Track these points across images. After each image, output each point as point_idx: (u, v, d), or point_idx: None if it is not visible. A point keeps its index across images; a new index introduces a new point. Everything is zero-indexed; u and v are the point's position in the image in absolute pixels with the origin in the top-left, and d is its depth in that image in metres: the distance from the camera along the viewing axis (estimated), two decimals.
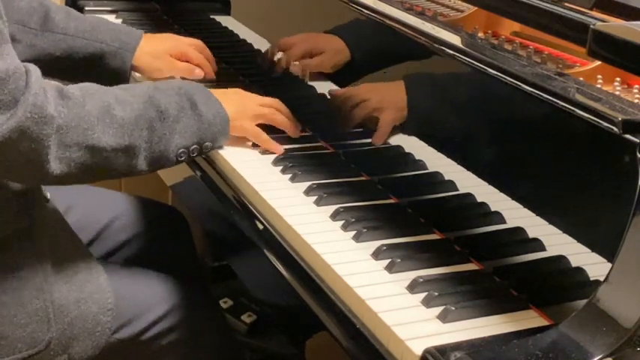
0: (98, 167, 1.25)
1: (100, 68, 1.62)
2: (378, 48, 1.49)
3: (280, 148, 1.44)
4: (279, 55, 1.69)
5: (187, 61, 1.68)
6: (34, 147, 1.16)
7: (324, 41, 1.59)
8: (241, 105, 1.44)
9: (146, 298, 1.44)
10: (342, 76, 1.56)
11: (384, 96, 1.43)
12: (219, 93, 1.41)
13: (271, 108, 1.47)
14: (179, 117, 1.33)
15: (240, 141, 1.46)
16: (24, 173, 1.21)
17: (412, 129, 1.38)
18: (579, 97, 1.04)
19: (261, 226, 1.29)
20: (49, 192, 1.43)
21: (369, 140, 1.44)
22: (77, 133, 1.20)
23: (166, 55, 1.66)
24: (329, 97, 1.56)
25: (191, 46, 1.70)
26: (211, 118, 1.36)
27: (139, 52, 1.63)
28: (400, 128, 1.42)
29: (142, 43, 1.65)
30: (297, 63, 1.66)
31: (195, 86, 1.40)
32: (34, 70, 1.18)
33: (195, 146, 1.35)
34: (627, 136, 0.96)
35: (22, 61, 1.18)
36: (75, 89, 1.25)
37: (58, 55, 1.60)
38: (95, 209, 1.67)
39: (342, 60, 1.55)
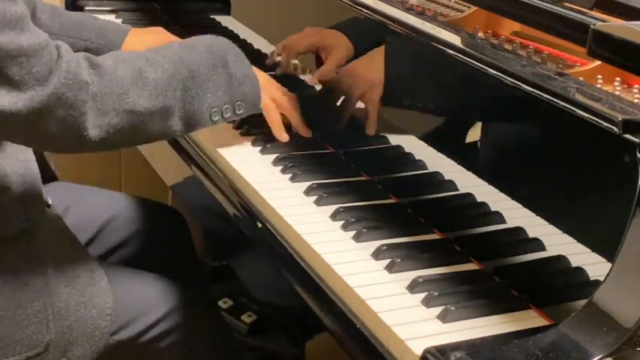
0: (136, 131, 1.26)
1: None
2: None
3: (285, 136, 1.44)
4: (279, 57, 1.70)
5: None
6: (72, 113, 1.17)
7: (330, 37, 1.59)
8: (268, 81, 1.45)
9: (145, 300, 1.44)
10: None
11: (361, 75, 1.45)
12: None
13: (286, 97, 1.46)
14: (210, 75, 1.33)
15: (241, 141, 1.46)
16: (65, 141, 1.21)
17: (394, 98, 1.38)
18: (579, 97, 1.04)
19: (261, 226, 1.29)
20: (50, 191, 1.43)
21: (369, 140, 1.45)
22: (112, 98, 1.22)
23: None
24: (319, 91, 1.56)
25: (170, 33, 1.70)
26: (241, 78, 1.36)
27: (124, 47, 1.63)
28: (399, 127, 1.42)
29: (129, 39, 1.64)
30: (296, 62, 1.67)
31: (227, 44, 1.40)
32: (63, 43, 1.21)
33: (227, 105, 1.35)
34: (627, 136, 0.96)
35: None
36: (105, 57, 1.27)
37: None
38: (94, 209, 1.67)
39: (349, 57, 1.55)
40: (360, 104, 1.47)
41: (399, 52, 1.40)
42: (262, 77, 1.43)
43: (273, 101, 1.44)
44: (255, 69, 1.42)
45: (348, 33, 1.55)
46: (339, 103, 1.50)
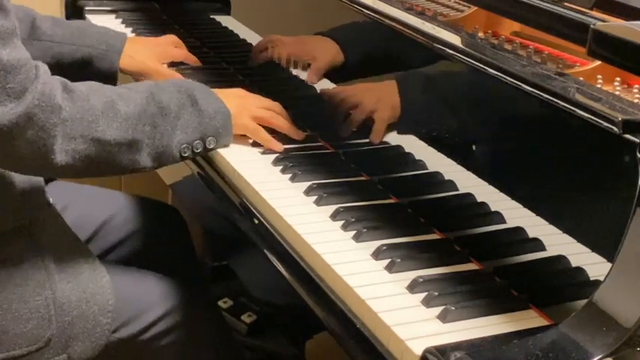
0: (102, 161, 1.27)
1: (89, 72, 1.64)
2: (372, 50, 1.49)
3: (280, 146, 1.44)
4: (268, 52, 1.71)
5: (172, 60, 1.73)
6: (41, 135, 1.18)
7: (313, 47, 1.60)
8: (242, 103, 1.45)
9: (145, 299, 1.44)
10: (337, 75, 1.56)
11: (378, 96, 1.43)
12: (219, 92, 1.43)
13: (271, 111, 1.48)
14: (180, 113, 1.34)
15: (241, 140, 1.46)
16: (30, 163, 1.22)
17: (407, 127, 1.38)
18: (579, 97, 1.04)
19: (261, 226, 1.29)
20: (49, 189, 1.44)
21: (368, 140, 1.44)
22: (82, 125, 1.22)
23: (149, 58, 1.70)
24: (323, 97, 1.56)
25: (168, 44, 1.75)
26: (212, 114, 1.37)
27: (124, 54, 1.66)
28: (399, 127, 1.42)
29: (127, 46, 1.67)
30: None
31: (195, 84, 1.42)
32: (42, 65, 1.22)
33: (198, 141, 1.36)
34: (627, 136, 0.96)
35: None
36: (79, 85, 1.27)
37: (47, 62, 1.59)
38: (93, 207, 1.67)
39: (335, 63, 1.55)
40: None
41: (412, 87, 1.39)
42: (236, 105, 1.43)
43: (258, 120, 1.45)
44: (228, 94, 1.43)
45: (337, 39, 1.55)
46: (346, 113, 1.48)
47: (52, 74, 1.24)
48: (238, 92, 1.50)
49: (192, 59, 1.77)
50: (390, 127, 1.44)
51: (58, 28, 1.65)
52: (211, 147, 1.38)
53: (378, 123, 1.42)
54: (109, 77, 1.65)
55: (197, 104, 1.36)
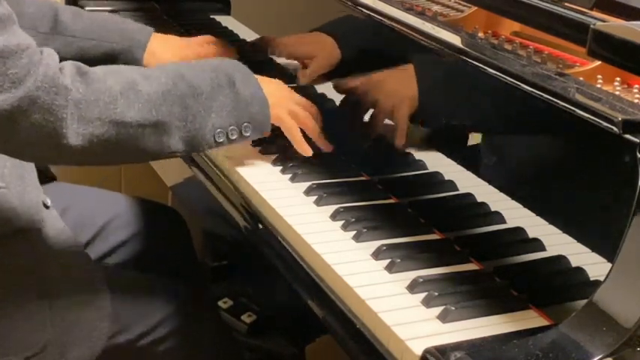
0: (125, 145, 1.21)
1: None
2: (368, 45, 1.49)
3: (309, 152, 1.37)
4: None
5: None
6: (48, 118, 1.14)
7: (313, 46, 1.59)
8: (280, 94, 1.38)
9: (144, 304, 1.43)
10: (334, 73, 1.56)
11: (395, 90, 1.40)
12: (259, 78, 1.36)
13: (307, 112, 1.40)
14: (215, 94, 1.27)
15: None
16: (42, 149, 1.18)
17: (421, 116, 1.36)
18: (579, 97, 1.04)
19: (261, 226, 1.29)
20: (49, 191, 1.43)
21: (368, 140, 1.44)
22: (98, 107, 1.18)
23: (172, 57, 1.61)
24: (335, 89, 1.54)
25: (200, 45, 1.66)
26: (249, 99, 1.31)
27: (147, 51, 1.60)
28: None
29: (151, 42, 1.61)
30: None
31: (236, 64, 1.35)
32: (48, 49, 1.19)
33: (233, 127, 1.29)
34: (627, 136, 0.96)
35: None
36: (96, 68, 1.23)
37: (69, 57, 1.59)
38: (93, 209, 1.66)
39: (334, 61, 1.55)
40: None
41: (429, 77, 1.37)
42: (275, 94, 1.36)
43: (293, 116, 1.37)
44: (269, 82, 1.37)
45: (333, 34, 1.55)
46: (363, 116, 1.46)
47: None
48: (278, 83, 1.41)
49: (227, 54, 1.64)
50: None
51: (80, 22, 1.59)
52: (247, 134, 1.31)
53: (401, 123, 1.38)
54: None
55: (234, 86, 1.29)
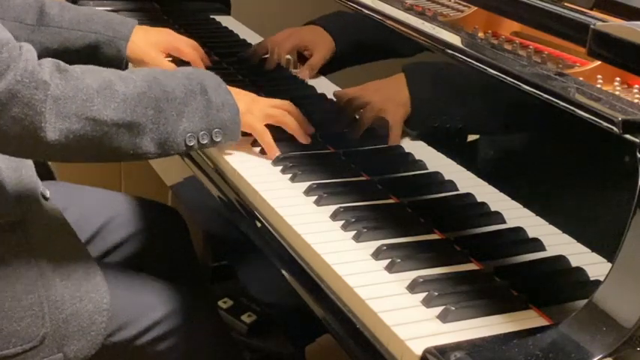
0: (100, 142, 1.24)
1: (96, 58, 1.62)
2: (361, 39, 1.50)
3: (275, 154, 1.41)
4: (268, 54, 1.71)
5: (179, 57, 1.69)
6: (27, 112, 1.17)
7: (310, 36, 1.60)
8: (251, 102, 1.43)
9: (143, 302, 1.43)
10: (328, 67, 1.57)
11: (386, 94, 1.43)
12: (231, 89, 1.40)
13: (282, 109, 1.45)
14: (187, 100, 1.31)
15: (241, 140, 1.46)
16: (19, 142, 1.20)
17: (416, 122, 1.37)
18: (579, 97, 1.04)
19: (261, 226, 1.29)
20: (49, 190, 1.43)
21: (368, 140, 1.44)
22: (75, 103, 1.21)
23: (154, 48, 1.66)
24: (335, 99, 1.55)
25: (182, 41, 1.71)
26: (220, 105, 1.35)
27: (130, 44, 1.63)
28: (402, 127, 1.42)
29: (135, 33, 1.64)
30: (289, 57, 1.67)
31: (207, 73, 1.39)
32: (28, 46, 1.21)
33: (204, 132, 1.33)
34: (627, 136, 0.96)
35: None
36: (75, 66, 1.26)
37: (55, 48, 1.61)
38: (93, 209, 1.67)
39: (330, 54, 1.55)
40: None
41: (420, 82, 1.38)
42: (246, 102, 1.41)
43: (268, 118, 1.42)
44: (240, 92, 1.41)
45: (326, 27, 1.55)
46: (354, 115, 1.47)
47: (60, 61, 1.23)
48: (250, 94, 1.46)
49: (199, 64, 1.70)
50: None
51: (66, 14, 1.63)
52: (218, 140, 1.35)
53: (393, 125, 1.40)
54: (117, 64, 1.62)
55: (206, 93, 1.34)
